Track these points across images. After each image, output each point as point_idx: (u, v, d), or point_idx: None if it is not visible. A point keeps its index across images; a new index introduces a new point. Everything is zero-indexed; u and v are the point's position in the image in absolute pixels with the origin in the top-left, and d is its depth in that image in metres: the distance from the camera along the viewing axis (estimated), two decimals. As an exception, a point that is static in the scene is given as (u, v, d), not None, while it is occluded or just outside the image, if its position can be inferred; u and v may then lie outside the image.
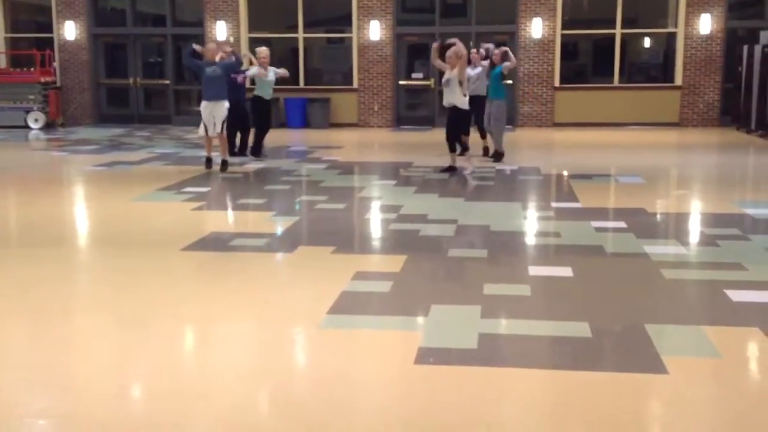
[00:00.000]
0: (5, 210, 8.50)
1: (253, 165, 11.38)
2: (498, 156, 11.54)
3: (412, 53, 18.50)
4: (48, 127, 17.76)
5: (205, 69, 10.46)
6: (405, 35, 18.16)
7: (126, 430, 3.15)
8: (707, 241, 6.56)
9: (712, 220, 7.56)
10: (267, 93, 11.87)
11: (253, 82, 12.39)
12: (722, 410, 3.38)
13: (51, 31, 18.89)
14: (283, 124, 17.88)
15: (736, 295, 4.87)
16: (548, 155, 13.12)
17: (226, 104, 10.53)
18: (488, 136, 11.88)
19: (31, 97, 17.71)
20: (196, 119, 11.06)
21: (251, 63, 12.00)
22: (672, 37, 17.55)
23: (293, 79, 18.30)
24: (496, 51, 11.44)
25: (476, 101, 11.12)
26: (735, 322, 4.41)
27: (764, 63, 14.91)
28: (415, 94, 18.61)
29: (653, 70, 18.47)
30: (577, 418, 3.25)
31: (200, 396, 3.48)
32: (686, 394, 3.51)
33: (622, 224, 7.11)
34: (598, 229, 6.91)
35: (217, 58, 10.67)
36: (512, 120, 17.61)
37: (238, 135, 12.15)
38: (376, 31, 17.73)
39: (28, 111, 17.73)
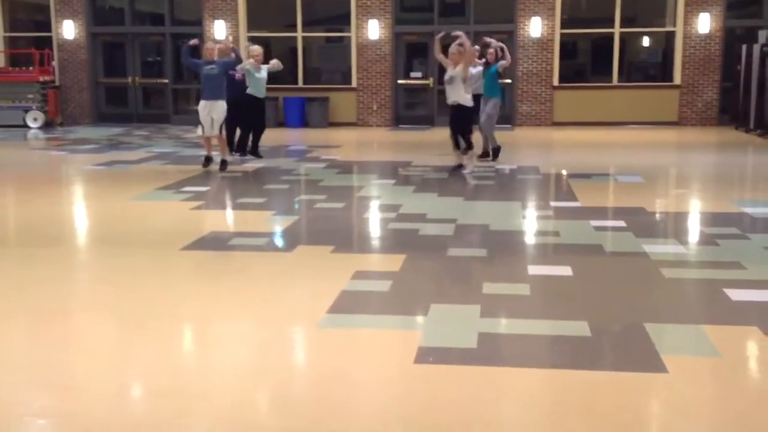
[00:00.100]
0: (4, 209, 8.49)
1: (252, 164, 11.37)
2: (496, 152, 11.52)
3: (411, 52, 18.50)
4: (47, 126, 17.75)
5: (203, 68, 10.45)
6: (404, 34, 18.17)
7: (125, 429, 3.15)
8: (706, 240, 6.56)
9: (711, 219, 7.56)
10: (259, 91, 11.77)
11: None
12: (722, 409, 3.38)
13: (50, 30, 18.88)
14: (281, 124, 17.89)
15: (736, 294, 4.87)
16: (547, 154, 13.12)
17: (224, 104, 10.51)
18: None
19: (30, 96, 17.70)
20: (194, 118, 11.05)
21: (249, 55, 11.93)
22: (671, 36, 17.56)
23: (292, 78, 18.34)
24: (491, 50, 11.41)
25: (477, 100, 11.11)
26: (734, 321, 4.41)
27: (763, 62, 14.92)
28: (413, 93, 18.61)
29: (652, 69, 18.48)
30: (577, 417, 3.25)
31: (200, 395, 3.48)
32: (685, 393, 3.51)
33: (622, 223, 7.11)
34: (598, 229, 6.91)
35: (216, 54, 10.60)
36: (511, 119, 17.65)
37: (238, 132, 12.09)
38: (374, 30, 17.73)
39: (26, 110, 17.72)
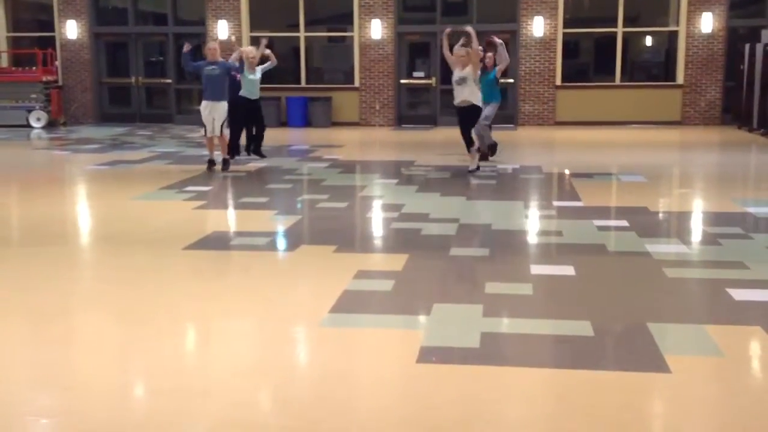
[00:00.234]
0: (7, 209, 8.50)
1: (254, 164, 11.37)
2: (493, 148, 11.48)
3: (414, 52, 18.50)
4: (50, 126, 17.77)
5: (204, 69, 10.44)
6: (406, 34, 18.16)
7: (126, 428, 3.15)
8: (709, 239, 6.55)
9: (714, 218, 7.55)
10: (252, 93, 11.66)
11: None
12: (725, 409, 3.37)
13: (53, 30, 18.91)
14: (284, 123, 17.90)
15: (739, 294, 4.86)
16: (550, 154, 13.12)
17: (225, 105, 10.52)
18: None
19: (33, 96, 17.73)
20: (197, 118, 11.06)
21: (259, 47, 11.87)
22: (673, 35, 17.54)
23: (295, 78, 18.35)
24: (489, 55, 11.35)
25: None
26: (737, 321, 4.40)
27: (766, 61, 14.89)
28: (416, 93, 18.61)
29: (655, 68, 18.45)
30: (580, 417, 3.24)
31: (201, 394, 3.48)
32: (688, 393, 3.51)
33: (624, 223, 7.10)
34: (600, 228, 6.90)
35: (218, 54, 10.58)
36: (514, 119, 17.64)
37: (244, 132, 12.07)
38: (377, 29, 17.73)
39: (30, 110, 17.75)
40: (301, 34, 18.32)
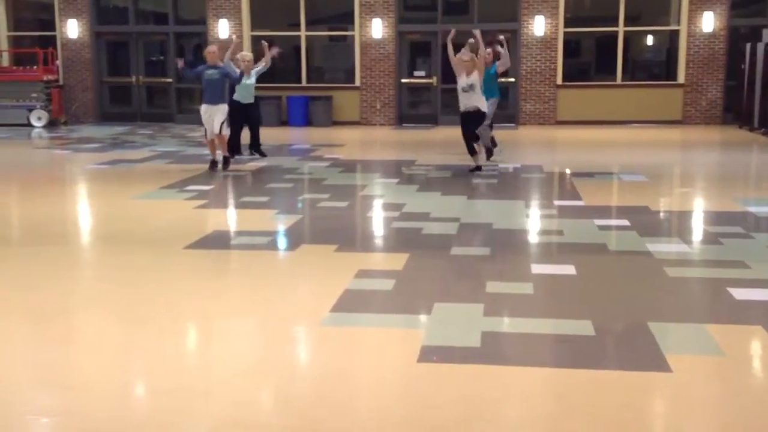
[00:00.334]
0: (8, 208, 8.50)
1: (255, 163, 11.37)
2: (489, 152, 11.47)
3: (415, 51, 18.49)
4: (50, 125, 17.77)
5: (204, 73, 10.45)
6: (407, 33, 18.15)
7: (128, 428, 3.15)
8: (710, 239, 6.55)
9: (715, 218, 7.55)
10: (245, 97, 11.51)
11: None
12: (726, 408, 3.37)
13: (54, 29, 18.90)
14: (285, 122, 17.89)
15: (740, 293, 4.86)
16: (551, 153, 13.11)
17: (225, 107, 10.55)
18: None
19: (34, 95, 17.73)
20: (198, 117, 11.05)
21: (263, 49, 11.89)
22: (675, 34, 17.52)
23: (295, 77, 18.34)
24: (489, 50, 11.34)
25: None
26: (738, 320, 4.40)
27: (767, 61, 14.88)
28: (417, 92, 18.60)
29: (656, 67, 18.44)
30: (580, 416, 3.24)
31: (202, 393, 3.48)
32: (689, 392, 3.51)
33: (625, 222, 7.10)
34: (601, 227, 6.90)
35: (218, 57, 10.59)
36: (514, 118, 17.63)
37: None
38: (378, 29, 17.72)
39: (30, 109, 17.75)
40: (302, 33, 18.31)
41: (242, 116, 11.58)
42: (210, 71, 10.40)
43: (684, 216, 7.81)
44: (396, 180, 9.85)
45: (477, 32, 10.32)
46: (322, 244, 6.33)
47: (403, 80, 18.24)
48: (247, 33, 18.14)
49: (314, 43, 19.00)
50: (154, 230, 7.02)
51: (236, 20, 18.12)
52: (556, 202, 8.26)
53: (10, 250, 6.44)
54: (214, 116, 10.39)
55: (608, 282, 5.30)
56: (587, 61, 18.69)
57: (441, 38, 17.63)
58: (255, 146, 11.97)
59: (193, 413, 3.30)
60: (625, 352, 3.98)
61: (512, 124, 17.28)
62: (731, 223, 7.15)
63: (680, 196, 9.11)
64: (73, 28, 18.66)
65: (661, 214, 7.73)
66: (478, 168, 10.29)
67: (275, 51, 12.13)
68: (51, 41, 18.82)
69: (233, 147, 11.50)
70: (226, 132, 10.71)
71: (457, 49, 10.50)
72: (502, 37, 11.24)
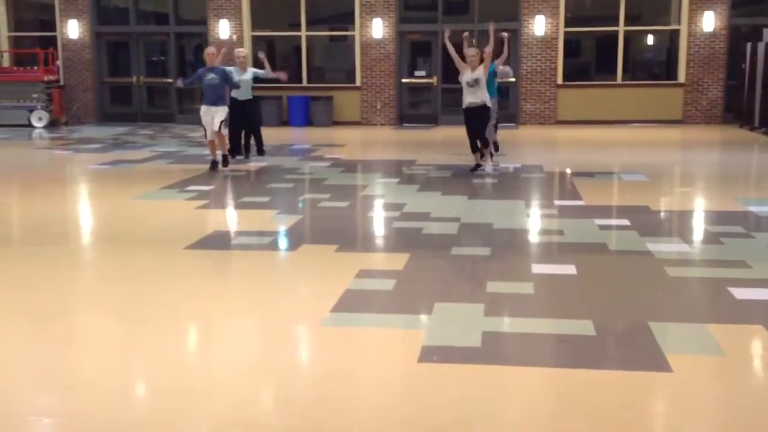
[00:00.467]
0: (8, 208, 8.51)
1: (255, 163, 11.37)
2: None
3: (415, 51, 18.49)
4: (51, 125, 17.78)
5: (203, 77, 10.46)
6: (408, 33, 18.15)
7: (128, 428, 3.15)
8: (711, 238, 6.55)
9: (716, 217, 7.54)
10: (241, 94, 11.51)
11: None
12: (726, 408, 3.37)
13: (54, 30, 18.90)
14: (285, 122, 17.90)
15: (740, 293, 4.86)
16: (551, 153, 13.11)
17: (225, 108, 10.57)
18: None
19: (35, 95, 17.73)
20: (198, 118, 11.05)
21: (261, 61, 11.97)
22: (675, 34, 17.52)
23: (296, 77, 18.34)
24: (486, 48, 11.31)
25: None
26: (739, 320, 4.40)
27: (768, 60, 14.88)
28: (417, 92, 18.60)
29: (656, 67, 18.44)
30: (581, 416, 3.24)
31: (203, 393, 3.48)
32: (690, 392, 3.51)
33: (626, 222, 7.09)
34: (602, 227, 6.90)
35: (217, 59, 10.62)
36: (515, 117, 17.63)
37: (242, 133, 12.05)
38: (378, 28, 17.72)
39: (31, 110, 17.75)
40: (303, 33, 18.31)
41: (240, 113, 11.56)
42: (210, 76, 10.41)
43: (684, 216, 7.80)
44: (396, 180, 9.85)
45: (491, 26, 10.30)
46: (322, 244, 6.33)
47: (404, 80, 18.24)
48: (247, 33, 18.15)
49: (315, 43, 19.00)
50: (155, 230, 7.02)
51: (237, 20, 18.13)
52: (557, 202, 8.26)
53: (11, 250, 6.44)
54: (215, 116, 10.39)
55: (609, 282, 5.30)
56: (587, 60, 18.69)
57: (441, 38, 17.64)
58: (260, 148, 11.96)
59: (194, 413, 3.30)
60: (625, 352, 3.98)
61: (512, 124, 17.28)
62: (732, 222, 7.14)
63: (681, 196, 9.11)
64: (73, 29, 18.66)
65: (662, 214, 7.73)
66: (479, 166, 10.29)
67: (283, 77, 12.37)
68: (51, 42, 18.83)
69: (233, 147, 11.51)
70: (225, 131, 10.71)
71: (455, 47, 10.49)
72: (505, 34, 11.15)
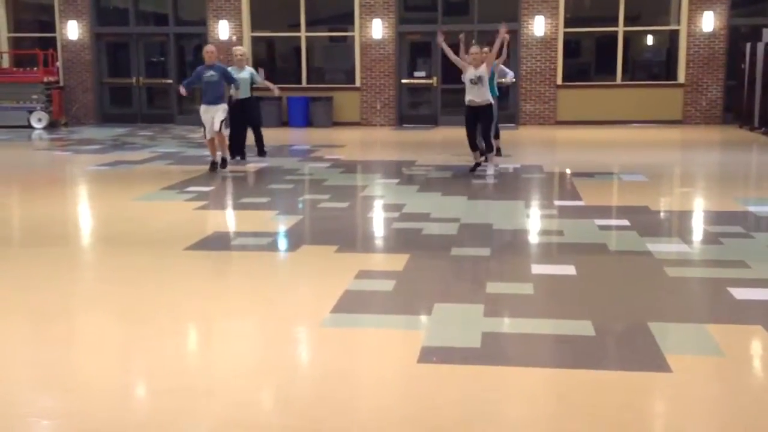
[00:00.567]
0: (8, 209, 8.51)
1: (255, 164, 11.38)
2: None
3: (415, 52, 18.49)
4: (51, 126, 17.78)
5: (202, 75, 10.45)
6: (407, 33, 18.15)
7: (128, 428, 3.16)
8: (710, 238, 6.55)
9: (716, 217, 7.55)
10: (238, 93, 11.47)
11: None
12: (726, 409, 3.37)
13: (54, 31, 18.91)
14: (285, 123, 17.90)
15: (740, 293, 4.86)
16: (551, 153, 13.11)
17: (225, 106, 10.57)
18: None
19: (34, 96, 17.73)
20: (198, 118, 11.06)
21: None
22: (675, 34, 17.52)
23: (296, 77, 18.35)
24: (485, 49, 11.32)
25: None
26: (738, 320, 4.40)
27: (767, 60, 14.88)
28: (417, 92, 18.60)
29: (656, 67, 18.44)
30: (581, 416, 3.24)
31: (203, 394, 3.48)
32: (689, 392, 3.51)
33: (626, 222, 7.10)
34: (602, 227, 6.90)
35: (215, 57, 10.61)
36: (514, 118, 17.64)
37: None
38: (378, 29, 17.72)
39: (31, 111, 17.75)
40: (302, 34, 18.32)
41: (239, 113, 11.54)
42: (209, 74, 10.40)
43: (684, 216, 7.81)
44: (396, 180, 9.85)
45: (503, 28, 10.29)
46: (322, 245, 6.33)
47: (404, 81, 18.25)
48: (247, 34, 18.15)
49: (314, 44, 19.01)
50: (155, 231, 7.02)
51: (236, 21, 18.13)
52: (557, 202, 8.26)
53: (11, 250, 6.44)
54: (214, 115, 10.40)
55: (608, 282, 5.30)
56: (587, 61, 18.70)
57: (437, 44, 17.63)
58: (260, 149, 11.96)
59: (194, 414, 3.30)
60: (625, 352, 3.98)
61: (512, 124, 17.28)
62: (731, 222, 7.15)
63: (680, 196, 9.11)
64: (73, 30, 18.67)
65: (662, 214, 7.74)
66: (478, 165, 10.29)
67: (276, 92, 12.31)
68: (51, 43, 18.83)
69: (234, 148, 11.50)
70: (226, 132, 10.72)
71: (452, 47, 10.50)
72: (506, 34, 10.98)
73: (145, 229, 7.14)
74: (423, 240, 6.50)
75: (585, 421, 3.20)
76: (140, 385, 3.70)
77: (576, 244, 6.30)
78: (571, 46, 17.99)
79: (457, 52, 10.51)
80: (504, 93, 15.38)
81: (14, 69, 18.75)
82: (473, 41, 10.27)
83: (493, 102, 10.29)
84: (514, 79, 12.63)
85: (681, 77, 17.37)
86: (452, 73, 10.57)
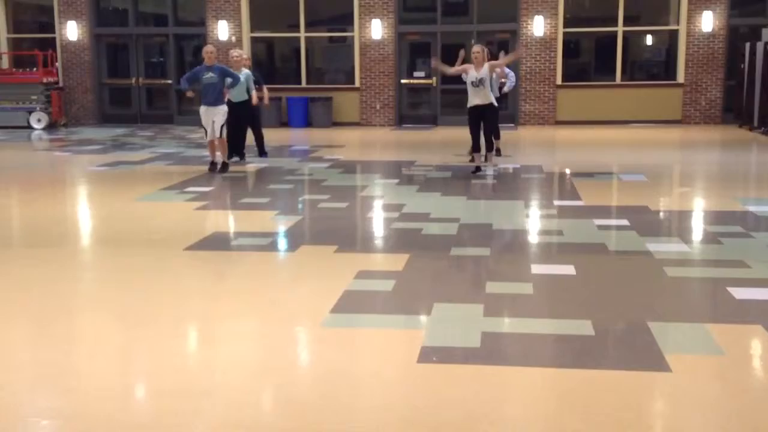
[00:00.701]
0: (9, 210, 8.51)
1: (255, 164, 11.38)
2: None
3: (414, 52, 18.50)
4: (50, 127, 17.79)
5: (202, 76, 10.44)
6: (407, 34, 18.15)
7: (129, 429, 3.16)
8: (710, 238, 6.55)
9: (715, 217, 7.55)
10: (233, 95, 11.35)
11: None
12: (725, 408, 3.37)
13: (53, 32, 18.92)
14: (285, 124, 17.90)
15: (739, 293, 4.86)
16: (550, 153, 13.11)
17: (225, 108, 10.55)
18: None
19: (34, 97, 17.74)
20: (197, 119, 11.07)
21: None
22: (674, 34, 17.53)
23: (295, 78, 18.36)
24: (498, 61, 11.36)
25: None
26: (738, 320, 4.41)
27: (766, 60, 14.89)
28: (417, 93, 18.61)
29: (655, 67, 18.45)
30: (580, 416, 3.25)
31: (204, 394, 3.48)
32: (689, 391, 3.51)
33: (625, 222, 7.10)
34: (601, 227, 6.90)
35: (214, 59, 10.60)
36: (514, 118, 17.64)
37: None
38: (377, 29, 17.73)
39: (30, 111, 17.76)
40: (302, 34, 18.32)
41: (236, 115, 11.51)
42: (208, 75, 10.39)
43: (684, 215, 7.81)
44: (396, 180, 9.85)
45: (520, 49, 10.40)
46: (322, 245, 6.33)
47: (403, 81, 18.26)
48: (246, 34, 18.16)
49: (314, 45, 19.02)
50: (155, 232, 7.02)
51: (236, 22, 18.13)
52: (556, 202, 8.26)
53: (11, 251, 6.44)
54: (214, 118, 10.41)
55: (608, 282, 5.31)
56: (587, 61, 18.71)
57: (440, 39, 17.67)
58: (261, 149, 11.96)
59: (195, 414, 3.31)
60: (625, 352, 3.98)
61: (512, 125, 17.29)
62: (731, 222, 7.15)
63: (680, 196, 9.12)
64: (72, 30, 18.67)
65: (661, 214, 7.74)
66: (479, 169, 10.30)
67: (265, 101, 12.29)
68: (51, 43, 18.84)
69: (233, 148, 11.49)
70: (225, 135, 10.71)
71: (449, 64, 10.58)
72: (518, 50, 11.11)
73: (145, 229, 7.14)
74: (423, 240, 6.50)
75: (585, 420, 3.20)
76: (140, 386, 3.70)
77: (576, 244, 6.31)
78: (571, 47, 18.00)
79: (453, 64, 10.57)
80: (504, 93, 15.37)
81: (14, 70, 18.75)
82: (473, 42, 10.29)
83: (495, 103, 10.29)
84: (514, 83, 12.66)
85: (680, 77, 17.38)
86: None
